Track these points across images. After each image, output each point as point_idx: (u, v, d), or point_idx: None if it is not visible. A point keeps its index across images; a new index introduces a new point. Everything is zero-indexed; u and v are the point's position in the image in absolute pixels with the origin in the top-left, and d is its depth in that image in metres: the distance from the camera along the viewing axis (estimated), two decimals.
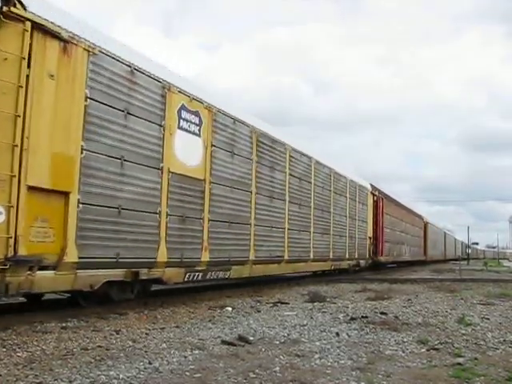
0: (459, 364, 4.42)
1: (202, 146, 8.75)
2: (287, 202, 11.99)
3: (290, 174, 12.22)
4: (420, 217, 35.04)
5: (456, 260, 42.05)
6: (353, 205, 17.73)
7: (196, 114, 8.58)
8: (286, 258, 11.78)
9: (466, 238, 63.12)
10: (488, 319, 7.04)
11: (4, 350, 4.56)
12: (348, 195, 17.10)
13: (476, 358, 4.65)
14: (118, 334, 5.51)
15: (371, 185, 21.14)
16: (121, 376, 3.78)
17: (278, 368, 4.15)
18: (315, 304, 8.53)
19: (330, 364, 4.37)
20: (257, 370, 4.06)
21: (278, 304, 8.62)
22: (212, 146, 9.00)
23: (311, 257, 13.54)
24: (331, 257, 15.23)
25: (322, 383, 3.81)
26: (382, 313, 7.41)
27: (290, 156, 12.22)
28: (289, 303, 8.79)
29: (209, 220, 8.79)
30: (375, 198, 21.23)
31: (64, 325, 5.86)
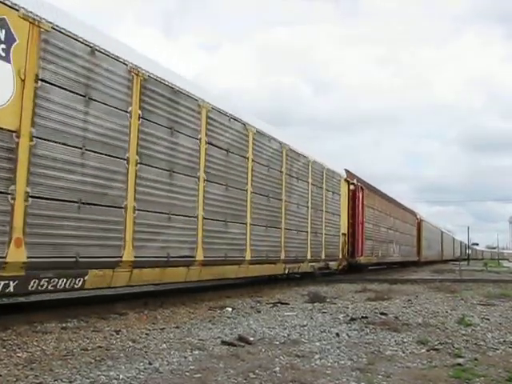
0: (459, 364, 4.42)
1: (14, 78, 5.50)
2: (202, 181, 8.61)
3: (210, 143, 8.85)
4: (413, 213, 32.02)
5: (455, 261, 42.03)
6: (318, 192, 14.16)
7: None
8: (199, 258, 8.47)
9: (465, 239, 63.21)
10: (488, 320, 7.04)
11: (4, 350, 4.57)
12: (310, 180, 13.56)
13: (476, 359, 4.65)
14: (118, 334, 5.51)
15: (347, 171, 17.72)
16: (121, 376, 3.78)
17: (278, 368, 4.15)
18: (315, 304, 8.53)
19: (330, 364, 4.38)
20: (257, 371, 4.06)
21: (278, 304, 8.62)
22: (38, 80, 5.72)
23: (247, 257, 10.09)
24: (283, 257, 11.74)
25: (322, 383, 3.81)
26: (382, 313, 7.41)
27: (209, 118, 8.86)
28: (289, 303, 8.80)
29: (28, 196, 5.56)
30: (352, 186, 17.86)
31: (64, 325, 5.87)
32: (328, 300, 9.19)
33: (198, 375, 3.92)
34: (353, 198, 17.85)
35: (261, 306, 8.49)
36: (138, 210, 7.12)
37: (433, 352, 4.94)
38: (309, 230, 13.39)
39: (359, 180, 18.90)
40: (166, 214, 7.69)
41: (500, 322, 6.86)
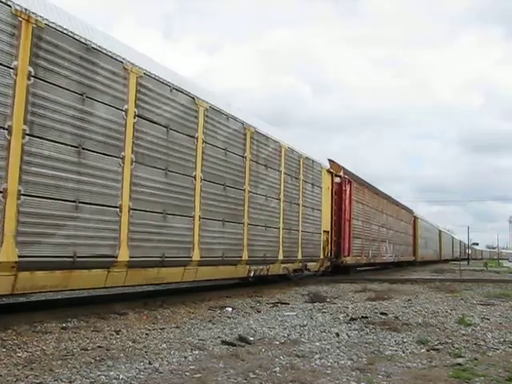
0: (459, 364, 4.42)
1: None
2: (129, 162, 6.93)
3: (141, 116, 7.16)
4: (409, 210, 30.25)
5: (454, 261, 41.91)
6: (293, 184, 12.30)
7: None
8: (123, 259, 6.82)
9: (465, 238, 63.23)
10: (488, 319, 7.05)
11: (4, 350, 4.57)
12: (283, 169, 11.72)
13: (476, 359, 4.65)
14: (117, 334, 5.51)
15: (331, 161, 15.87)
16: (121, 376, 3.78)
17: (278, 368, 4.15)
18: (315, 304, 8.53)
19: (330, 364, 4.38)
20: (257, 371, 4.06)
21: (278, 304, 8.63)
22: None
23: (195, 258, 8.32)
24: (247, 258, 9.97)
25: (322, 383, 3.81)
26: (382, 313, 7.42)
27: (140, 85, 7.17)
28: (289, 303, 8.80)
29: None
30: (338, 179, 16.09)
31: (64, 325, 5.86)
32: (328, 300, 9.19)
33: (198, 375, 3.92)
34: (338, 191, 16.09)
35: (261, 305, 8.49)
36: (25, 195, 5.57)
37: (433, 352, 4.94)
38: (281, 226, 11.58)
39: (346, 172, 17.06)
40: (70, 202, 6.05)
41: (500, 322, 6.87)
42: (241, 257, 9.81)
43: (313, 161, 13.71)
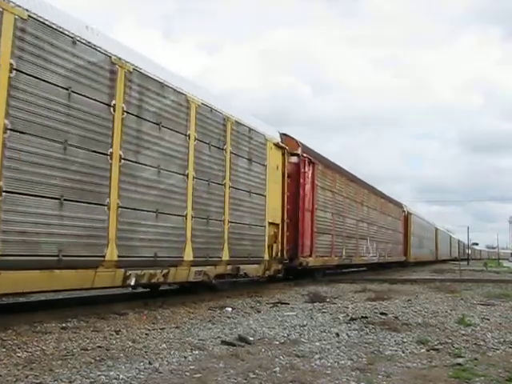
0: (459, 364, 4.42)
1: None
2: None
3: None
4: (398, 204, 26.80)
5: (453, 261, 41.75)
6: (214, 156, 8.99)
7: None
8: None
9: (465, 238, 63.24)
10: (488, 320, 7.05)
11: (4, 350, 4.56)
12: (194, 133, 8.40)
13: (476, 359, 4.65)
14: (117, 334, 5.51)
15: (284, 135, 12.30)
16: (121, 376, 3.78)
17: (277, 368, 4.15)
18: (315, 304, 8.54)
19: (329, 364, 4.38)
20: (257, 371, 4.06)
21: (278, 304, 8.63)
22: None
23: None
24: (115, 258, 6.65)
25: (322, 383, 3.81)
26: (381, 313, 7.42)
27: None
28: (289, 303, 8.80)
29: None
30: (295, 158, 12.63)
31: (64, 325, 5.86)
32: (328, 300, 9.20)
33: (198, 375, 3.92)
34: (294, 174, 12.55)
35: (261, 305, 8.49)
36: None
37: (433, 352, 4.94)
38: (189, 212, 8.22)
39: (307, 151, 13.43)
40: None
41: (500, 322, 6.87)
42: (103, 256, 6.53)
43: (250, 129, 10.19)
